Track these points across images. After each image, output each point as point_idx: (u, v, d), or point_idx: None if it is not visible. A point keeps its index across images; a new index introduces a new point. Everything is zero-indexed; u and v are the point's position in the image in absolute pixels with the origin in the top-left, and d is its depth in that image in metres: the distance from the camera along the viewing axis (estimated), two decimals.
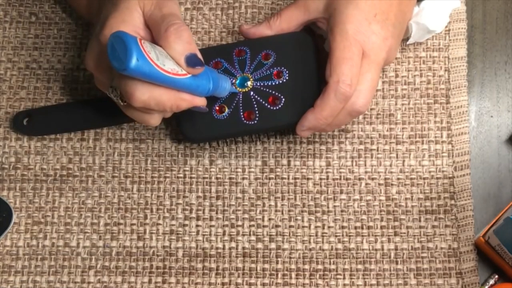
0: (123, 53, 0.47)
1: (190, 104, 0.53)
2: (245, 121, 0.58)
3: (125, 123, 0.63)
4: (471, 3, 0.67)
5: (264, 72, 0.58)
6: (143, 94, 0.50)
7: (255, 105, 0.58)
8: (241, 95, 0.58)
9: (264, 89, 0.58)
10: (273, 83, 0.58)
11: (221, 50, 0.60)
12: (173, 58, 0.50)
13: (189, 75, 0.51)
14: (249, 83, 0.58)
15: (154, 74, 0.48)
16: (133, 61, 0.47)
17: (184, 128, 0.59)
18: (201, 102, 0.54)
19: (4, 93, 0.64)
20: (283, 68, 0.58)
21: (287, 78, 0.58)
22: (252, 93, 0.58)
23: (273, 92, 0.58)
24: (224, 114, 0.58)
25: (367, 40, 0.54)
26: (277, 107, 0.57)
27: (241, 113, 0.58)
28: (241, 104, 0.58)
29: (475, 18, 0.67)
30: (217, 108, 0.58)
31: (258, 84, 0.58)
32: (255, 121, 0.57)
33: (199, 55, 0.52)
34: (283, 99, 0.57)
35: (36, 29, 0.66)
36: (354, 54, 0.53)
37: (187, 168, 0.63)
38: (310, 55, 0.58)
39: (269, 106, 0.57)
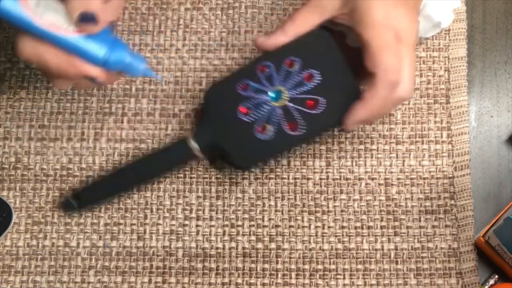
0: None
1: (80, 71, 0.49)
2: (292, 134, 0.56)
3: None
4: (471, 3, 0.67)
5: (295, 80, 0.56)
6: (25, 47, 0.48)
7: (298, 115, 0.56)
8: (280, 109, 0.56)
9: (301, 96, 0.56)
10: (308, 88, 0.56)
11: (244, 72, 0.58)
12: (69, 13, 0.47)
13: (77, 35, 0.48)
14: (284, 95, 0.56)
15: (24, 22, 0.46)
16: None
17: (233, 158, 0.58)
18: (95, 72, 0.49)
19: (4, 93, 0.64)
20: (311, 70, 0.56)
21: (319, 78, 0.56)
22: (290, 104, 0.56)
23: (311, 96, 0.56)
24: (268, 133, 0.56)
25: (398, 24, 0.52)
26: (320, 110, 0.56)
27: (286, 127, 0.56)
28: (283, 118, 0.56)
29: (475, 18, 0.67)
30: (259, 128, 0.57)
31: (293, 93, 0.56)
32: (303, 131, 0.56)
33: (99, 16, 0.47)
34: (324, 100, 0.56)
35: None
36: (390, 41, 0.52)
37: (187, 168, 0.63)
38: (333, 50, 0.56)
39: (311, 111, 0.56)
